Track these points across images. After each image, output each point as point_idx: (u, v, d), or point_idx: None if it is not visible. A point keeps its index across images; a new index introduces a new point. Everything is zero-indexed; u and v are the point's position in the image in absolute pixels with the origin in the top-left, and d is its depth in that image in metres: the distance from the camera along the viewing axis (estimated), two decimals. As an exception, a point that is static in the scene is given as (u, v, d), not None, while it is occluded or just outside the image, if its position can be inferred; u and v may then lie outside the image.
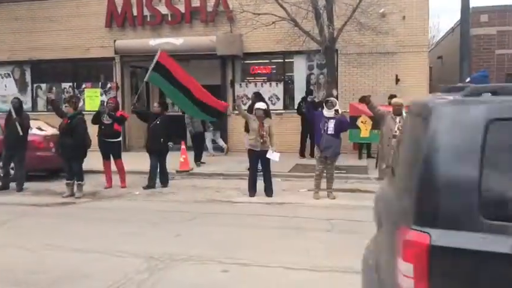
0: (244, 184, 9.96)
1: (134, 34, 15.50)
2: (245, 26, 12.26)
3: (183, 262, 4.90)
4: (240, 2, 12.41)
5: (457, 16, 34.33)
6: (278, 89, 14.90)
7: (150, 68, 9.31)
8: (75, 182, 9.00)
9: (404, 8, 13.31)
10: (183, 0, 14.86)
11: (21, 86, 16.78)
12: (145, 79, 9.67)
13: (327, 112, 8.42)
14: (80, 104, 15.76)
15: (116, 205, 8.14)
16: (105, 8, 15.53)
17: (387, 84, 13.83)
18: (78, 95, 16.10)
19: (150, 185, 9.67)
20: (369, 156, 13.37)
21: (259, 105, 8.86)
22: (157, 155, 9.62)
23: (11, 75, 9.87)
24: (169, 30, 15.24)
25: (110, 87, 16.00)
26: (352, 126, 11.50)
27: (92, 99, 15.99)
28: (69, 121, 8.86)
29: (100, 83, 16.25)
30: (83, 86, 16.32)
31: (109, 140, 9.71)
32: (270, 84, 15.01)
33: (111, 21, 15.55)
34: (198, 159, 12.34)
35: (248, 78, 15.27)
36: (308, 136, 13.62)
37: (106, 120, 9.67)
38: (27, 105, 16.20)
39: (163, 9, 15.09)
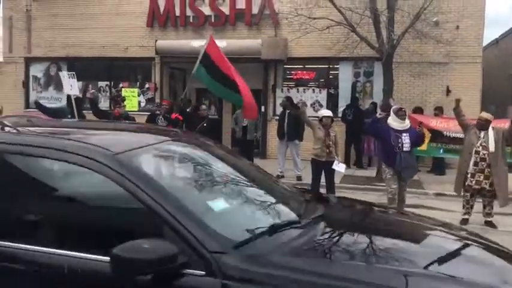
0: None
1: (175, 35, 15.21)
2: (298, 30, 11.82)
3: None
4: (293, 5, 12.07)
5: (498, 28, 33.82)
6: (321, 96, 14.53)
7: (198, 61, 8.94)
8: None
9: (458, 17, 12.88)
10: (227, 1, 14.55)
11: (57, 83, 16.57)
12: (192, 73, 9.24)
13: (398, 124, 7.27)
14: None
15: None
16: (146, 7, 15.27)
17: (437, 96, 13.42)
18: (120, 93, 15.88)
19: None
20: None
21: (326, 112, 8.46)
22: None
23: (75, 76, 9.57)
24: (212, 32, 14.87)
25: (148, 88, 15.71)
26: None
27: (130, 99, 15.69)
28: (126, 121, 8.53)
29: (138, 83, 15.97)
30: (120, 85, 16.04)
31: (163, 143, 9.36)
32: (313, 90, 14.64)
33: (152, 20, 15.27)
34: None
35: (290, 83, 14.92)
36: (352, 145, 13.29)
37: (161, 122, 9.35)
38: (62, 102, 16.03)
39: (206, 10, 14.80)
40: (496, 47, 17.97)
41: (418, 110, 12.31)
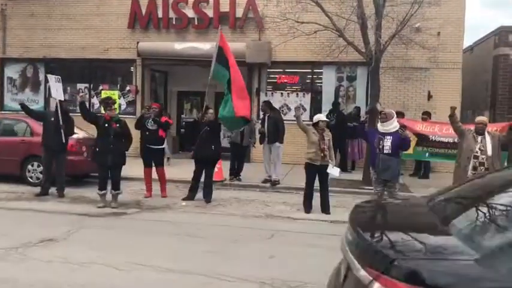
0: (288, 198, 9.69)
1: (157, 37, 14.99)
2: (285, 34, 11.84)
3: (303, 290, 4.47)
4: (278, 9, 12.05)
5: (474, 34, 34.36)
6: (305, 100, 14.57)
7: (213, 61, 8.74)
8: (113, 191, 8.42)
9: (439, 23, 13.15)
10: (211, 4, 14.44)
11: (34, 84, 16.12)
12: (210, 76, 8.99)
13: (381, 127, 7.53)
14: (96, 107, 15.37)
15: (173, 217, 7.60)
16: (127, 8, 15.01)
17: (419, 101, 13.67)
18: (95, 96, 15.52)
19: (190, 196, 9.14)
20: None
21: (323, 116, 8.48)
22: (205, 164, 9.11)
23: (60, 80, 9.38)
24: (195, 34, 14.78)
25: (129, 90, 15.41)
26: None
27: (110, 101, 15.39)
28: (118, 125, 8.32)
29: (118, 85, 15.64)
30: (100, 87, 15.68)
31: (153, 146, 9.19)
32: (297, 94, 14.68)
33: (134, 22, 15.01)
34: (232, 173, 11.34)
35: (274, 87, 14.91)
36: (337, 150, 13.36)
37: (151, 125, 9.15)
38: (39, 104, 15.59)
39: (190, 13, 14.65)
40: (471, 53, 18.43)
41: (400, 115, 12.45)
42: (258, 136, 11.61)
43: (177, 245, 5.91)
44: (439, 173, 12.98)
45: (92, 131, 10.28)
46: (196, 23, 14.67)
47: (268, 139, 10.95)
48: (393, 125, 7.66)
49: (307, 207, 8.38)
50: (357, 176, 12.02)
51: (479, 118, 7.86)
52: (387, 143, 7.37)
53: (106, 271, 4.80)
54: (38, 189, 9.26)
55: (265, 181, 11.07)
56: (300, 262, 5.41)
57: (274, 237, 6.45)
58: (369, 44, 11.00)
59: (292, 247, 6.01)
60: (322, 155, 8.15)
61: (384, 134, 7.44)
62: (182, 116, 17.59)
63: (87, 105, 12.23)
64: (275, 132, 10.87)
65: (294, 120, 12.41)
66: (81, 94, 9.90)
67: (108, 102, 8.59)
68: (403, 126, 8.01)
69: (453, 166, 8.05)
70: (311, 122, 13.98)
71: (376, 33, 10.62)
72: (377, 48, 10.76)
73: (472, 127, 7.76)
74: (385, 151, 7.34)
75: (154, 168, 9.41)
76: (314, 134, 8.26)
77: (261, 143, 11.33)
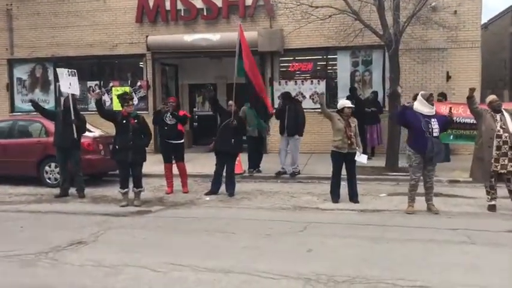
0: (312, 188, 9.47)
1: (166, 30, 14.72)
2: (298, 20, 11.54)
3: (351, 285, 4.24)
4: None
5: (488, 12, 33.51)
6: (320, 87, 14.24)
7: (236, 57, 8.56)
8: (135, 189, 8.21)
9: (456, 1, 12.78)
10: (219, -7, 14.15)
11: (44, 84, 15.94)
12: (236, 75, 8.83)
13: (428, 109, 7.20)
14: (107, 104, 15.17)
15: (199, 213, 7.42)
16: (134, 1, 14.77)
17: (437, 82, 13.32)
18: (105, 93, 15.30)
19: (213, 190, 8.93)
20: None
21: (348, 102, 8.19)
22: (226, 157, 8.89)
23: (76, 74, 9.19)
24: (204, 25, 14.50)
25: (140, 86, 15.18)
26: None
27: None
28: (136, 121, 8.11)
29: (129, 81, 15.42)
30: (110, 84, 15.46)
31: (173, 141, 8.98)
32: (311, 81, 14.38)
33: (142, 16, 14.74)
34: (250, 166, 11.07)
35: (288, 75, 14.60)
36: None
37: (169, 120, 8.93)
38: (49, 104, 15.41)
39: (198, 3, 14.36)
40: (486, 31, 18.00)
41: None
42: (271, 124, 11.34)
43: (209, 242, 5.70)
44: (462, 155, 12.68)
45: (107, 129, 10.12)
46: (205, 13, 14.39)
47: (288, 131, 10.61)
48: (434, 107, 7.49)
49: (335, 196, 8.14)
50: (378, 162, 11.75)
51: (491, 97, 7.60)
52: (435, 125, 7.17)
53: (142, 273, 4.60)
54: (57, 191, 9.10)
55: (278, 173, 10.76)
56: (339, 254, 5.20)
57: (307, 230, 6.24)
58: (387, 26, 10.68)
59: (326, 239, 5.79)
60: (349, 142, 7.88)
61: (430, 117, 7.21)
62: (194, 109, 17.37)
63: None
64: (295, 125, 10.57)
65: (312, 109, 12.25)
66: (96, 91, 9.66)
67: (125, 98, 8.31)
68: (450, 108, 7.84)
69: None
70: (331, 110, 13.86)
71: (395, 14, 10.31)
72: (396, 30, 10.44)
73: (486, 107, 7.52)
74: (434, 134, 7.14)
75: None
76: (339, 121, 7.98)
77: (281, 134, 10.98)
